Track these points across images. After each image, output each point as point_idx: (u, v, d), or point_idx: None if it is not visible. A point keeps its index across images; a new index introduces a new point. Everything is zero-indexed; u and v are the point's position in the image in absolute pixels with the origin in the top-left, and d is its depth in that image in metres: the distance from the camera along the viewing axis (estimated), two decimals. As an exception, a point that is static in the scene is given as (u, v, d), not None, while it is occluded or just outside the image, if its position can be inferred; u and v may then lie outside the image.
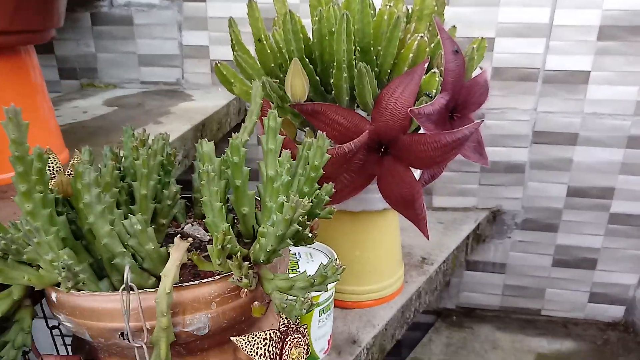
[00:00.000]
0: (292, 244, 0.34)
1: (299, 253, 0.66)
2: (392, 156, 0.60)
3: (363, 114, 0.62)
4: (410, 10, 0.68)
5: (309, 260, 0.65)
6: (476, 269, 1.20)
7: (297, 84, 0.55)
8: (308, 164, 0.40)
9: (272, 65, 0.64)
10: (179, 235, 0.45)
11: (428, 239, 0.64)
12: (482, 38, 0.69)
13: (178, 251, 0.33)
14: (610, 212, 1.09)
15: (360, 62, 0.54)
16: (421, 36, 0.57)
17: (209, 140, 0.40)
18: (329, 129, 0.60)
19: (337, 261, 0.34)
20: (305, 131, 0.63)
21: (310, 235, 0.37)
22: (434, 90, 0.56)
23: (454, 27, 0.73)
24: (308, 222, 0.36)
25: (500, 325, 1.19)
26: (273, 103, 0.60)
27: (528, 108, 1.04)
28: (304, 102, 0.58)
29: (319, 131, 0.63)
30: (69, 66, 1.15)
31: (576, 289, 1.17)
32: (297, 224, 0.33)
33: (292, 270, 0.62)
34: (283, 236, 0.32)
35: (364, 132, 0.56)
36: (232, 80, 0.68)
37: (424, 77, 0.56)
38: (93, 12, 1.10)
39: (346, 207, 0.73)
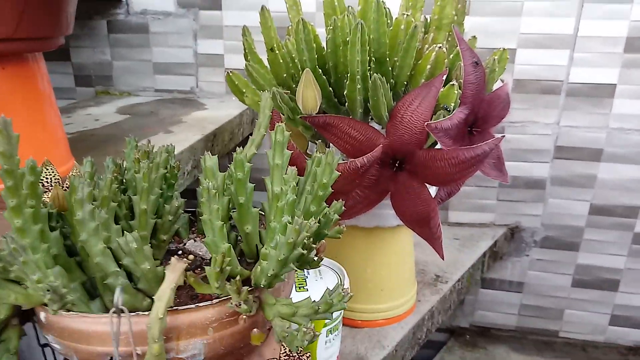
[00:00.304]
0: (295, 269, 0.31)
1: (307, 270, 0.64)
2: (407, 172, 0.57)
3: (377, 127, 0.60)
4: (428, 20, 0.65)
5: (318, 277, 0.62)
6: (492, 287, 1.16)
7: (309, 96, 0.53)
8: (316, 181, 0.37)
9: (285, 75, 0.62)
10: (179, 253, 0.43)
11: (443, 259, 0.61)
12: (504, 49, 0.66)
13: (174, 272, 0.31)
14: (635, 231, 1.04)
15: (375, 74, 0.52)
16: (439, 47, 0.55)
17: (220, 151, 0.38)
18: (341, 142, 0.57)
19: (345, 287, 0.31)
20: (317, 144, 0.60)
21: (316, 259, 0.34)
22: (452, 104, 0.54)
23: (474, 37, 0.70)
24: (314, 245, 0.33)
25: (516, 346, 1.14)
26: (283, 115, 0.58)
27: (550, 122, 1.01)
28: (316, 114, 0.56)
29: (329, 147, 0.61)
30: (84, 73, 1.15)
31: (597, 311, 1.12)
32: (302, 247, 0.30)
33: (300, 288, 0.59)
34: (285, 260, 0.30)
35: (378, 147, 0.54)
36: (244, 90, 0.67)
37: (441, 89, 0.54)
38: (109, 19, 1.10)
39: (358, 223, 0.70)
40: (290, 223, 0.29)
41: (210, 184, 0.32)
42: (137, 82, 1.14)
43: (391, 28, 0.59)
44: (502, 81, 0.64)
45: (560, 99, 0.99)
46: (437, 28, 0.61)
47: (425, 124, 0.51)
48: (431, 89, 0.54)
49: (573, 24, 0.94)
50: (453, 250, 1.01)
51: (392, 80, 0.59)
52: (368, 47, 0.53)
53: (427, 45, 0.59)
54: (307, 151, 0.63)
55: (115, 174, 0.43)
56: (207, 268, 0.32)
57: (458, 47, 0.55)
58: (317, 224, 0.33)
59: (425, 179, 0.56)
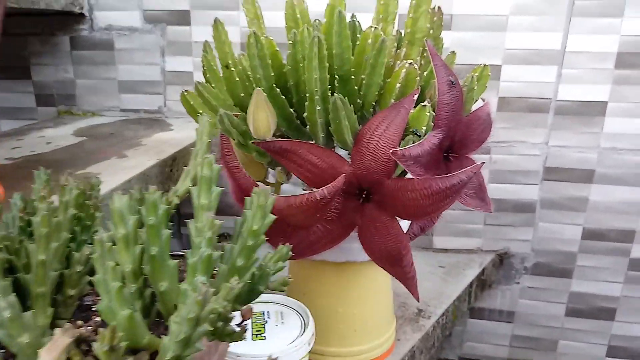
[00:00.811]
0: (202, 348, 0.24)
1: (268, 312, 0.56)
2: (375, 204, 0.51)
3: (344, 152, 0.53)
4: (402, 34, 0.59)
5: (279, 322, 0.55)
6: (482, 317, 1.09)
7: (260, 118, 0.46)
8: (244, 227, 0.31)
9: (242, 94, 0.56)
10: (93, 309, 0.36)
11: (418, 301, 0.54)
12: (485, 65, 0.60)
13: (51, 352, 0.24)
14: (631, 257, 0.98)
15: (337, 94, 0.45)
16: (410, 63, 0.48)
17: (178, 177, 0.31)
18: (301, 170, 0.51)
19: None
20: (276, 171, 0.54)
21: (238, 329, 0.28)
22: (424, 127, 0.47)
23: (453, 52, 0.64)
24: (232, 314, 0.26)
25: (509, 381, 1.07)
26: (234, 139, 0.51)
27: (538, 142, 0.95)
28: (272, 138, 0.49)
29: (290, 175, 0.54)
30: (46, 92, 1.09)
31: (593, 342, 1.05)
32: (214, 320, 0.23)
33: (257, 336, 0.52)
34: (187, 340, 0.23)
35: (340, 176, 0.47)
36: (201, 111, 0.60)
37: (412, 111, 0.47)
38: (72, 35, 1.04)
39: (327, 258, 0.63)
40: (192, 292, 0.22)
41: (104, 235, 0.25)
42: (102, 102, 1.07)
43: (359, 43, 0.53)
44: (483, 100, 0.58)
45: (549, 118, 0.93)
46: (409, 43, 0.55)
47: (391, 151, 0.44)
48: (400, 110, 0.47)
49: (561, 39, 0.88)
50: (437, 280, 0.94)
51: (358, 101, 0.52)
52: (329, 64, 0.47)
53: (398, 62, 0.53)
54: (266, 179, 0.56)
55: (21, 214, 0.36)
56: (94, 345, 0.25)
57: (432, 64, 0.49)
58: (247, 282, 0.26)
59: (395, 211, 0.50)
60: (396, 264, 0.52)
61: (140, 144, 0.81)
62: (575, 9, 0.86)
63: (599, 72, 0.88)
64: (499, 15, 0.89)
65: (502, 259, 1.04)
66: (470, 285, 0.95)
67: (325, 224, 0.52)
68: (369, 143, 0.48)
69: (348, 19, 0.59)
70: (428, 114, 0.47)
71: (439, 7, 0.58)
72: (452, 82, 0.48)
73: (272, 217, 0.33)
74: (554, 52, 0.89)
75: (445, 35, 0.92)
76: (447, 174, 0.48)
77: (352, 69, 0.50)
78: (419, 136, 0.47)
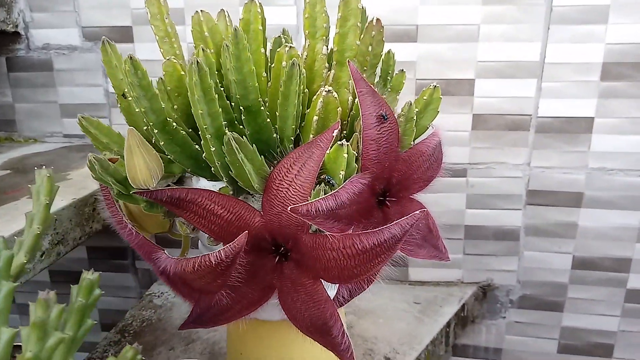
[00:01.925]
0: None
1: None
2: (294, 263, 0.41)
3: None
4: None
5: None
6: (465, 355, 0.99)
7: (136, 164, 0.37)
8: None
9: (145, 128, 0.46)
10: None
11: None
12: (435, 86, 0.51)
13: None
14: (628, 287, 0.88)
15: (229, 132, 0.36)
16: (328, 90, 0.39)
17: None
18: (205, 222, 0.41)
19: None
20: (177, 223, 0.44)
21: None
22: (342, 172, 0.38)
23: (401, 71, 0.55)
24: None
25: None
26: (113, 190, 0.42)
27: (520, 163, 0.85)
28: (160, 184, 0.40)
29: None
30: (-16, 118, 1.00)
31: (590, 381, 0.95)
32: None
33: None
34: None
35: (242, 234, 0.38)
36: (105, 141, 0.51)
37: (328, 151, 0.38)
38: (8, 56, 0.95)
39: (258, 316, 0.54)
40: None
41: None
42: (44, 127, 0.98)
43: (274, 66, 0.43)
44: (432, 127, 0.48)
45: (530, 136, 0.84)
46: (338, 63, 0.45)
47: (289, 208, 0.35)
48: (312, 151, 0.38)
49: (539, 49, 0.79)
50: (411, 319, 0.84)
51: (275, 136, 0.43)
52: (225, 93, 0.38)
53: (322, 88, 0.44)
54: (173, 230, 0.46)
55: None
56: None
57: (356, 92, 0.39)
58: None
59: (315, 273, 0.40)
60: (325, 334, 0.43)
61: (65, 179, 0.72)
62: (554, 15, 0.77)
63: (583, 85, 0.79)
64: (469, 25, 0.80)
65: (485, 292, 0.94)
66: (448, 325, 0.84)
67: (237, 289, 0.43)
68: (278, 191, 0.39)
69: (274, 35, 0.50)
70: (346, 154, 0.37)
71: (377, 19, 0.48)
72: (383, 115, 0.38)
73: (60, 335, 0.24)
74: (532, 63, 0.80)
75: (410, 48, 0.84)
76: (384, 222, 0.39)
77: (259, 99, 0.40)
78: (332, 185, 0.37)
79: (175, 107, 0.43)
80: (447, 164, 0.88)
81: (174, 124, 0.42)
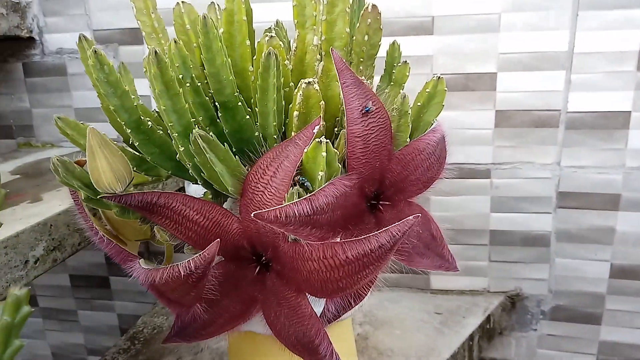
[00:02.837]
0: None
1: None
2: (276, 274, 0.37)
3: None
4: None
5: None
6: (493, 369, 0.92)
7: (99, 166, 0.34)
8: None
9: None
10: None
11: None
12: (439, 77, 0.46)
13: None
14: (674, 298, 0.80)
15: (195, 130, 0.32)
16: (308, 82, 0.35)
17: None
18: (180, 229, 0.38)
19: None
20: (156, 230, 0.41)
21: None
22: (321, 173, 0.34)
23: (405, 62, 0.50)
24: None
25: None
26: (81, 194, 0.39)
27: (548, 162, 0.79)
28: (129, 189, 0.37)
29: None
30: (4, 124, 1.01)
31: (632, 400, 0.87)
32: None
33: None
34: None
35: (213, 242, 0.34)
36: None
37: (306, 149, 0.34)
38: (25, 61, 0.96)
39: (254, 329, 0.50)
40: None
41: None
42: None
43: (255, 57, 0.40)
44: (435, 123, 0.43)
45: (559, 133, 0.77)
46: (327, 54, 0.41)
47: (253, 214, 0.31)
48: (290, 149, 0.34)
49: (567, 38, 0.72)
50: (430, 331, 0.79)
51: (257, 134, 0.39)
52: (198, 86, 0.34)
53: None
54: (154, 237, 0.43)
55: None
56: None
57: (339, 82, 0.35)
58: None
59: (298, 286, 0.36)
60: (312, 353, 0.39)
61: (69, 183, 0.71)
62: (583, 0, 0.70)
63: (617, 76, 0.72)
64: (489, 14, 0.74)
65: (513, 302, 0.88)
66: (471, 337, 0.79)
67: (219, 300, 0.39)
68: (254, 195, 0.35)
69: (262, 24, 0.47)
70: (325, 153, 0.33)
71: (373, 5, 0.44)
72: (367, 108, 0.34)
73: (19, 343, 0.20)
74: (560, 54, 0.73)
75: (426, 41, 0.79)
76: (377, 229, 0.35)
77: (235, 94, 0.37)
78: (306, 189, 0.33)
79: (163, 107, 0.40)
80: (468, 164, 0.83)
81: (150, 122, 0.39)
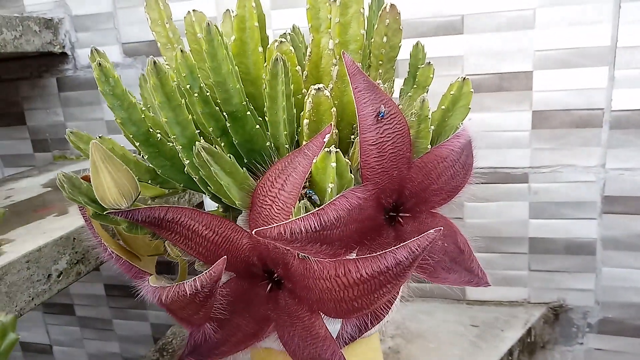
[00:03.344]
0: None
1: None
2: (289, 293, 0.35)
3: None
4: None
5: None
6: (537, 385, 0.87)
7: (105, 181, 0.33)
8: None
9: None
10: None
11: None
12: (465, 78, 0.43)
13: None
14: None
15: (199, 142, 0.31)
16: (318, 89, 0.33)
17: None
18: (190, 244, 0.37)
19: None
20: (167, 245, 0.40)
21: None
22: (331, 185, 0.31)
23: (429, 64, 0.47)
24: None
25: None
26: (89, 210, 0.38)
27: (592, 165, 0.74)
28: (135, 203, 0.36)
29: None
30: (40, 137, 1.04)
31: (693, 422, 0.80)
32: None
33: None
34: None
35: (220, 259, 0.33)
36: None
37: (315, 160, 0.32)
38: (59, 77, 0.98)
39: (274, 346, 0.48)
40: None
41: None
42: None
43: (266, 65, 0.38)
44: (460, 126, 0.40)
45: (603, 133, 0.72)
46: (341, 59, 0.39)
47: (254, 231, 0.29)
48: (298, 161, 0.32)
49: (609, 32, 0.68)
50: (466, 344, 0.75)
51: (268, 144, 0.37)
52: (207, 96, 0.33)
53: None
54: (169, 255, 0.42)
55: None
56: None
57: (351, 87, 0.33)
58: None
59: (310, 305, 0.34)
60: (330, 376, 0.36)
61: (96, 196, 0.71)
62: (626, -10, 0.65)
63: (667, 70, 0.66)
64: (523, 10, 0.70)
65: (557, 314, 0.82)
66: (510, 352, 0.74)
67: (232, 319, 0.38)
68: (262, 208, 0.33)
69: (275, 23, 0.45)
70: (334, 163, 0.31)
71: (391, 4, 0.42)
72: (381, 113, 0.32)
73: None
74: (602, 49, 0.68)
75: (456, 40, 0.75)
76: (396, 243, 0.32)
77: (243, 103, 0.35)
78: (312, 202, 0.31)
79: (165, 119, 0.39)
80: (504, 168, 0.79)
81: (159, 134, 0.38)
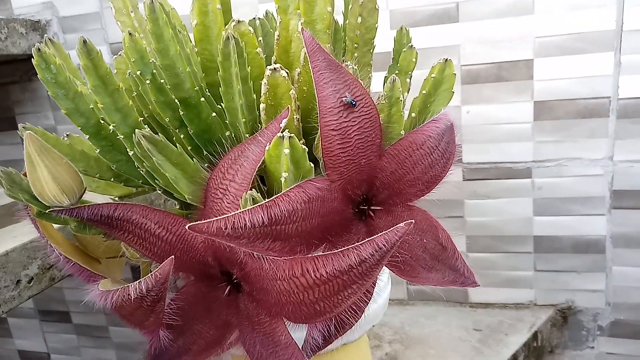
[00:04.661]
0: None
1: None
2: (248, 296, 0.32)
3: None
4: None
5: None
6: (546, 392, 0.82)
7: (42, 176, 0.30)
8: None
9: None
10: None
11: None
12: (447, 60, 0.40)
13: None
14: None
15: (139, 130, 0.28)
16: (273, 69, 0.30)
17: None
18: (144, 243, 0.34)
19: None
20: (122, 246, 0.37)
21: None
22: (285, 174, 0.28)
23: (411, 47, 0.44)
24: None
25: None
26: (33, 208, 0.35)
27: (599, 157, 0.69)
28: (77, 201, 0.33)
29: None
30: (32, 141, 1.02)
31: None
32: None
33: None
34: None
35: (167, 260, 0.29)
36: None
37: (268, 147, 0.28)
38: (49, 79, 0.96)
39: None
40: None
41: None
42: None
43: (221, 48, 0.35)
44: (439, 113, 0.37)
45: (610, 123, 0.67)
46: (308, 39, 0.36)
47: (187, 225, 0.25)
48: (250, 149, 0.29)
49: (614, 15, 0.63)
50: (468, 350, 0.71)
51: (229, 134, 0.34)
52: (161, 83, 0.30)
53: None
54: (127, 257, 0.39)
55: None
56: None
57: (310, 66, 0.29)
58: None
59: (268, 309, 0.30)
60: (298, 387, 0.33)
61: (78, 198, 0.69)
62: (630, -32, 0.61)
63: (677, 54, 0.62)
64: (520, -7, 0.66)
65: (565, 316, 0.78)
66: (515, 357, 0.70)
67: (191, 326, 0.34)
68: (213, 202, 0.30)
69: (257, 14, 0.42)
70: (287, 150, 0.27)
71: (364, -18, 0.38)
72: (351, 101, 0.28)
73: None
74: (607, 33, 0.64)
75: (452, 29, 0.71)
76: (366, 239, 0.29)
77: (195, 88, 0.32)
78: (259, 193, 0.28)
79: (101, 105, 0.35)
80: (505, 163, 0.75)
81: (111, 127, 0.35)
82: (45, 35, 0.43)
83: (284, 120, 0.29)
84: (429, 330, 0.77)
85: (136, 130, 0.29)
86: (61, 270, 0.57)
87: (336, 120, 0.29)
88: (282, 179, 0.28)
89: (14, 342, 1.22)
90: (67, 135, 0.48)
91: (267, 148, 0.28)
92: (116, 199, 0.45)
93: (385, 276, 0.47)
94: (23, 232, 0.56)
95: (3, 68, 0.98)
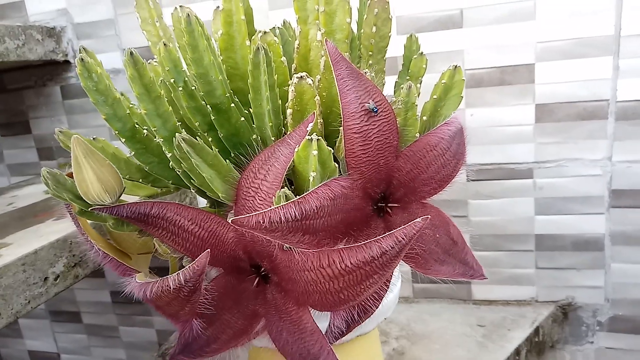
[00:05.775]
0: None
1: None
2: (276, 287, 0.35)
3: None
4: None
5: None
6: (548, 387, 0.85)
7: (88, 177, 0.33)
8: None
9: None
10: None
11: None
12: (456, 66, 0.42)
13: None
14: None
15: (179, 134, 0.30)
16: (300, 77, 0.32)
17: None
18: (177, 239, 0.36)
19: None
20: (155, 242, 0.40)
21: None
22: (313, 173, 0.31)
23: (421, 54, 0.46)
24: None
25: None
26: (75, 207, 0.38)
27: (598, 158, 0.72)
28: (117, 199, 0.35)
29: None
30: (46, 146, 1.05)
31: None
32: None
33: None
34: None
35: (204, 253, 0.32)
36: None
37: (297, 149, 0.31)
38: (62, 84, 0.99)
39: (269, 344, 0.47)
40: None
41: None
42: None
43: (251, 57, 0.38)
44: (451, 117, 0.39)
45: (609, 125, 0.70)
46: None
47: (231, 219, 0.28)
48: (281, 151, 0.31)
49: (612, 20, 0.66)
50: (472, 345, 0.73)
51: (256, 137, 0.37)
52: (192, 90, 0.32)
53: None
54: (159, 252, 0.42)
55: None
56: None
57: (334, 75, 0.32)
58: None
59: (296, 298, 0.33)
60: (321, 372, 0.35)
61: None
62: (627, -23, 0.64)
63: (672, 59, 0.65)
64: (524, 0, 0.69)
65: (565, 312, 0.80)
66: (517, 352, 0.72)
67: (220, 315, 0.37)
68: (245, 200, 0.33)
69: (274, 24, 0.45)
70: (316, 151, 0.30)
71: (378, -8, 0.41)
72: (372, 108, 0.31)
73: None
74: (605, 38, 0.67)
75: (456, 35, 0.74)
76: (384, 233, 0.31)
77: (226, 95, 0.35)
78: (291, 191, 0.30)
79: (145, 111, 0.38)
80: (508, 164, 0.77)
81: (145, 131, 0.37)
82: (80, 45, 0.45)
83: (310, 125, 0.32)
84: (434, 327, 0.80)
85: (176, 134, 0.31)
86: (85, 268, 0.60)
87: (358, 124, 0.31)
88: (311, 178, 0.30)
89: (24, 343, 1.24)
90: (93, 138, 0.50)
91: (296, 150, 0.31)
92: (142, 198, 0.48)
93: (395, 270, 0.49)
94: (49, 232, 0.58)
95: (18, 73, 1.01)
